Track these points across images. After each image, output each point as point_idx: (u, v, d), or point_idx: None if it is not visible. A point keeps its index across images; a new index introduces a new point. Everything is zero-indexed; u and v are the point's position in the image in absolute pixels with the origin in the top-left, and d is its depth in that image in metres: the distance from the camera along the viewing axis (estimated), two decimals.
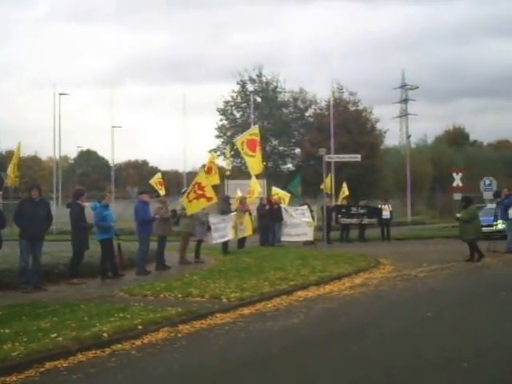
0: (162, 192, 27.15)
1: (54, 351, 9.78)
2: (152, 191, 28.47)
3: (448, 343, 10.52)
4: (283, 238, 30.30)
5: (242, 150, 27.94)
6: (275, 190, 33.84)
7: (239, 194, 29.13)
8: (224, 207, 25.87)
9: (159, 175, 33.06)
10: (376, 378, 8.60)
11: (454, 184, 45.62)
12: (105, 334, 10.79)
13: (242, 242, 27.30)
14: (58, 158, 54.31)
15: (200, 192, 21.20)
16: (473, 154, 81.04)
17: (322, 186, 34.17)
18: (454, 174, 46.08)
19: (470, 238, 23.07)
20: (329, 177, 39.25)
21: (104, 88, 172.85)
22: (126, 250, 20.80)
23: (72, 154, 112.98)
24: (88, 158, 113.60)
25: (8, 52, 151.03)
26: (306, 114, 70.53)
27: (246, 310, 13.84)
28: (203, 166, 27.46)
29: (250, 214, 28.35)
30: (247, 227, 27.46)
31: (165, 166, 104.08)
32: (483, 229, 31.97)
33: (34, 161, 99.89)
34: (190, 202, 21.21)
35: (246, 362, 9.63)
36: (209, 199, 21.69)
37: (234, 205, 27.27)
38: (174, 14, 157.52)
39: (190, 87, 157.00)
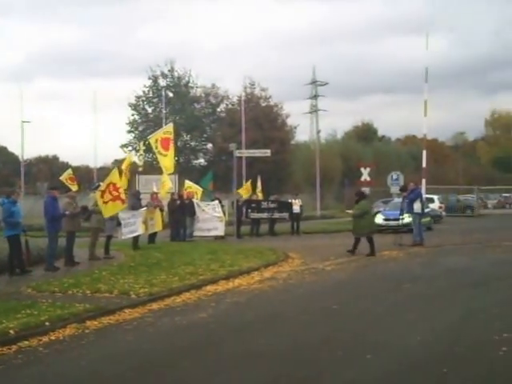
0: (75, 188, 26.86)
1: None
2: (62, 187, 28.06)
3: (353, 335, 10.76)
4: (195, 233, 30.35)
5: (156, 148, 27.83)
6: (188, 183, 33.84)
7: (155, 189, 28.99)
8: (134, 202, 25.77)
9: (70, 171, 32.70)
10: (282, 371, 8.73)
11: (362, 178, 46.59)
12: (11, 331, 10.69)
13: (152, 237, 27.23)
14: None
15: (116, 194, 21.06)
16: (381, 149, 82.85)
17: (239, 191, 34.51)
18: (362, 169, 47.06)
19: (364, 233, 23.47)
20: (248, 182, 39.53)
21: (13, 83, 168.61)
22: (35, 246, 20.49)
23: None
24: None
25: None
26: (218, 110, 70.86)
27: (154, 305, 13.85)
28: (117, 164, 27.26)
29: (162, 210, 28.33)
30: (157, 222, 27.42)
31: (76, 162, 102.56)
32: (390, 222, 32.91)
33: None
34: (105, 203, 21.01)
35: (153, 357, 9.64)
36: (123, 202, 21.63)
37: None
38: (85, 8, 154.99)
39: (102, 82, 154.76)
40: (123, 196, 21.42)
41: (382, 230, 34.09)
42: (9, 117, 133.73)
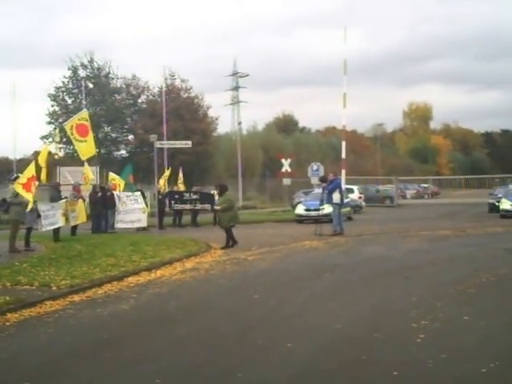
0: None
1: None
2: None
3: (274, 324, 10.90)
4: (117, 225, 30.20)
5: (72, 134, 27.57)
6: (112, 175, 33.61)
7: (70, 179, 28.71)
8: (54, 194, 25.48)
9: None
10: (203, 361, 8.81)
11: (283, 169, 47.04)
12: None
13: (73, 229, 27.01)
14: None
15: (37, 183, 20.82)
16: (301, 140, 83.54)
17: (160, 180, 34.39)
18: (283, 160, 47.49)
19: (228, 225, 23.59)
20: (169, 170, 39.44)
21: None
22: None
23: None
24: None
25: None
26: (139, 101, 70.37)
27: (76, 297, 13.81)
28: (36, 154, 26.85)
29: (84, 201, 28.13)
30: (80, 214, 27.21)
31: None
32: (311, 213, 33.34)
33: None
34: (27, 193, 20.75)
35: (74, 349, 9.62)
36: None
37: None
38: None
39: (21, 73, 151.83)
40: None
41: (303, 220, 34.56)
42: None
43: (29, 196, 20.75)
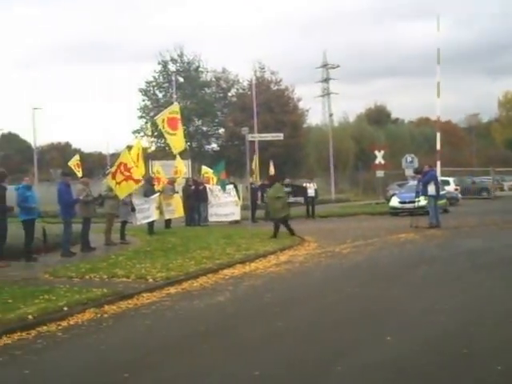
0: (80, 174, 26.69)
1: None
2: (73, 173, 27.95)
3: (372, 317, 10.67)
4: (211, 219, 30.31)
5: (163, 128, 27.74)
6: (205, 169, 33.78)
7: (160, 170, 28.81)
8: (147, 188, 25.68)
9: (77, 157, 32.59)
10: (301, 353, 8.66)
11: (377, 161, 46.40)
12: (30, 316, 10.66)
13: (168, 222, 27.24)
14: None
15: (127, 174, 20.94)
16: (394, 132, 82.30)
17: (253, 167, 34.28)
18: (376, 152, 46.83)
19: (278, 217, 23.30)
20: (255, 160, 39.42)
21: (25, 69, 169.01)
22: (51, 232, 20.54)
23: None
24: (10, 140, 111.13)
25: None
26: (229, 94, 70.65)
27: (172, 290, 13.83)
28: (129, 146, 27.08)
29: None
30: (177, 208, 27.38)
31: (88, 148, 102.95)
32: (405, 205, 32.73)
33: None
34: (118, 184, 20.92)
35: (172, 341, 9.61)
36: (136, 182, 21.51)
37: (159, 186, 27.04)
38: None
39: (113, 69, 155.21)
40: (136, 176, 21.29)
41: (397, 212, 33.97)
42: (20, 104, 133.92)
43: (112, 183, 20.97)
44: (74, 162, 33.66)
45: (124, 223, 22.92)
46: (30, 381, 7.95)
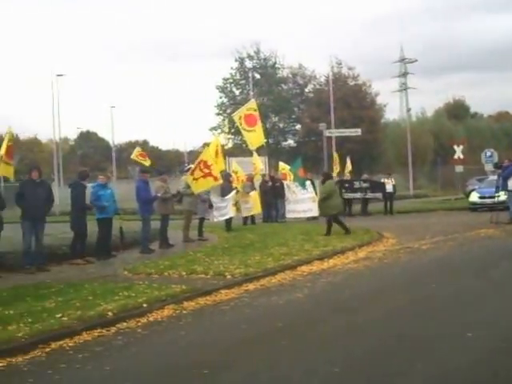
0: (147, 163, 26.75)
1: (59, 331, 9.76)
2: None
3: (452, 313, 10.49)
4: (288, 215, 30.15)
5: (240, 125, 27.76)
6: (282, 165, 33.67)
7: (238, 168, 28.76)
8: (225, 185, 25.69)
9: (138, 148, 32.86)
10: (382, 348, 8.58)
11: (456, 156, 45.55)
12: (110, 313, 10.77)
13: (245, 219, 27.29)
14: (57, 139, 54.20)
15: (207, 171, 20.99)
16: (473, 126, 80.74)
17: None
18: (455, 147, 45.99)
19: (330, 214, 22.88)
20: (336, 156, 39.10)
21: (102, 68, 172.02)
22: (129, 229, 20.80)
23: (72, 135, 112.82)
24: (88, 139, 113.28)
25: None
26: (306, 90, 70.33)
27: (250, 286, 13.80)
28: (207, 144, 27.19)
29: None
30: (255, 205, 27.38)
31: (166, 146, 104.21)
32: (485, 200, 32.02)
33: (33, 143, 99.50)
34: (195, 180, 21.01)
35: (251, 337, 9.58)
36: (215, 179, 21.55)
37: (236, 182, 27.00)
38: None
39: (190, 66, 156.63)
40: (215, 173, 21.35)
41: (477, 208, 33.27)
42: (98, 102, 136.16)
43: (189, 179, 21.05)
44: (136, 154, 33.81)
45: (202, 220, 23.02)
46: (111, 377, 8.01)
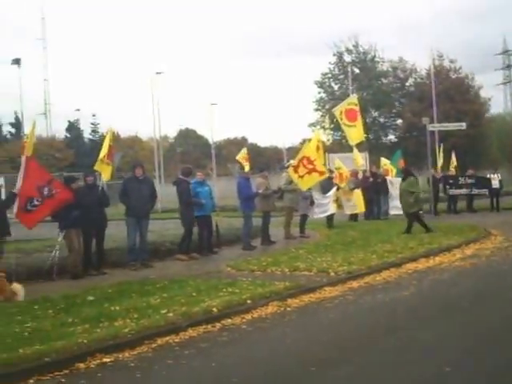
0: (247, 168, 26.77)
1: (165, 327, 9.79)
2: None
3: None
4: (392, 212, 29.57)
5: (341, 119, 27.47)
6: (384, 161, 33.16)
7: (341, 164, 28.42)
8: (324, 182, 25.35)
9: (245, 150, 32.87)
10: (491, 351, 8.28)
11: None
12: (214, 309, 10.75)
13: (351, 216, 27.05)
14: (158, 137, 55.02)
15: (310, 166, 20.81)
16: None
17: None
18: None
19: (410, 211, 22.22)
20: (441, 150, 38.25)
21: (202, 65, 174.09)
22: (230, 226, 20.83)
23: (172, 133, 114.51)
24: (187, 136, 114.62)
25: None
26: (407, 84, 69.13)
27: (354, 283, 13.60)
28: (306, 140, 27.01)
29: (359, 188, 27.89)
30: (359, 203, 27.04)
31: (264, 143, 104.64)
32: None
33: (134, 141, 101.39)
34: (301, 177, 20.84)
35: (357, 335, 9.45)
36: (321, 173, 21.34)
37: (339, 180, 26.65)
38: None
39: (287, 62, 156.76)
40: (320, 168, 21.14)
41: None
42: (197, 100, 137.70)
43: (294, 176, 20.88)
44: (241, 156, 33.99)
45: (304, 217, 22.85)
46: (218, 374, 7.95)
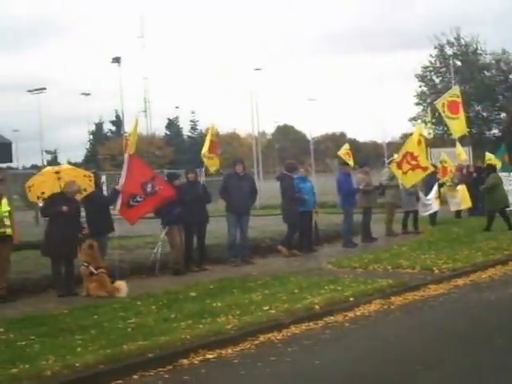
0: (351, 163, 26.53)
1: (268, 324, 9.76)
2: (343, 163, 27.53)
3: None
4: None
5: (443, 112, 26.88)
6: (488, 155, 32.31)
7: (447, 158, 27.76)
8: (427, 177, 24.78)
9: (347, 146, 32.59)
10: None
11: None
12: (316, 306, 10.66)
13: (458, 213, 26.45)
14: (256, 134, 55.28)
15: (414, 162, 20.38)
16: None
17: None
18: None
19: (491, 208, 21.49)
20: None
21: (296, 61, 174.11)
22: (330, 222, 20.64)
23: (269, 129, 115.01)
24: (285, 132, 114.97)
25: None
26: (510, 77, 67.30)
27: (459, 281, 13.28)
28: (407, 135, 26.55)
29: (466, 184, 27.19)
30: (464, 199, 26.36)
31: (363, 138, 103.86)
32: None
33: (233, 138, 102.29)
34: (404, 173, 20.43)
35: (463, 334, 9.27)
36: (424, 169, 20.90)
37: (442, 175, 26.00)
38: None
39: (386, 56, 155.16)
40: (423, 163, 20.69)
41: None
42: (295, 96, 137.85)
43: (397, 173, 20.48)
44: (343, 151, 33.74)
45: (407, 213, 22.37)
46: (322, 371, 7.87)
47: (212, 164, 17.03)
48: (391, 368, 7.86)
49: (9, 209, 13.00)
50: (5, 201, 12.93)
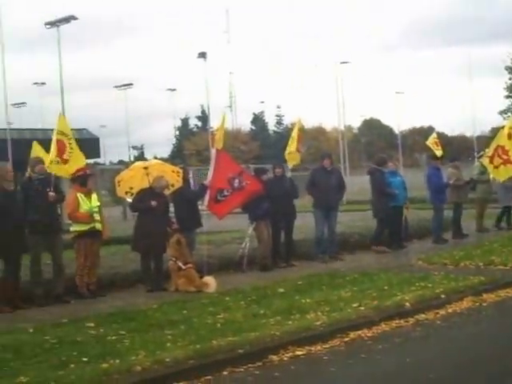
0: (439, 152, 25.97)
1: (357, 321, 9.64)
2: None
3: None
4: None
5: None
6: None
7: None
8: None
9: (435, 135, 31.89)
10: None
11: None
12: (407, 304, 10.49)
13: None
14: (342, 128, 54.96)
15: (505, 157, 19.84)
16: None
17: None
18: None
19: None
20: None
21: (382, 54, 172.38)
22: (419, 218, 20.32)
23: (355, 123, 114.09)
24: (371, 126, 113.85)
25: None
26: None
27: None
28: (496, 128, 25.85)
29: None
30: None
31: (451, 131, 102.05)
32: None
33: (318, 132, 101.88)
34: (496, 168, 19.91)
35: None
36: None
37: None
38: None
39: (477, 48, 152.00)
40: None
41: None
42: (381, 89, 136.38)
43: (489, 167, 19.95)
44: (431, 141, 33.08)
45: (507, 209, 21.70)
46: (413, 369, 7.76)
47: (291, 158, 16.87)
48: (487, 367, 7.69)
49: (99, 204, 13.23)
50: (95, 196, 13.17)
